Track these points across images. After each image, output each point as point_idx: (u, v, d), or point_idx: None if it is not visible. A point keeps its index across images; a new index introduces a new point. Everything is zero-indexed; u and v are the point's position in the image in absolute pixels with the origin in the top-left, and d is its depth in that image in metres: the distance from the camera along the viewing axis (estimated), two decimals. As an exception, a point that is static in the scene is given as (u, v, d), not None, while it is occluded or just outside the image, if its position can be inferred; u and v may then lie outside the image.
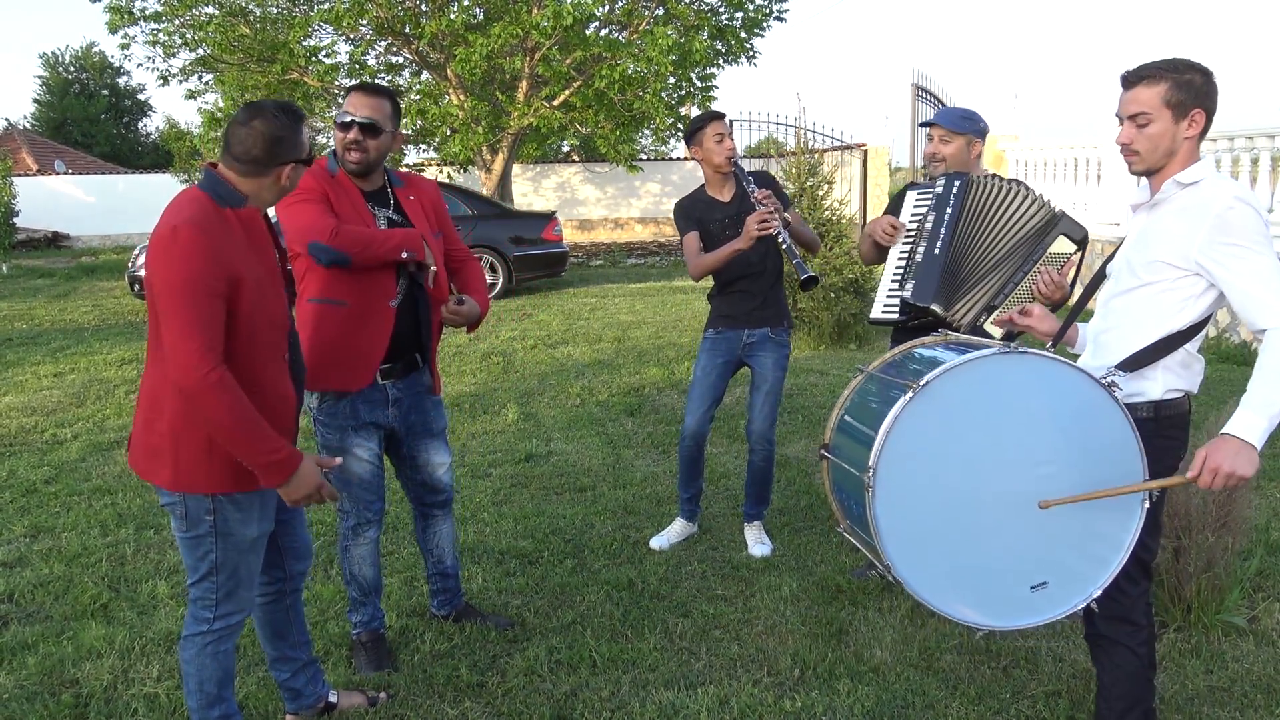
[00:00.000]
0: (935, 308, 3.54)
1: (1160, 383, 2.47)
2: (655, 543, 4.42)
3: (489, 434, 6.41)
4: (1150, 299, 2.45)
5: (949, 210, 3.60)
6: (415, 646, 3.53)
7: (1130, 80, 2.43)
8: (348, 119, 3.11)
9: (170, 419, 2.47)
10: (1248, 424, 2.24)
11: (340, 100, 17.02)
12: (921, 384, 2.35)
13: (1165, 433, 2.49)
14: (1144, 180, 2.53)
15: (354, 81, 16.78)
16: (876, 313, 3.74)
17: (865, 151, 17.53)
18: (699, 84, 18.00)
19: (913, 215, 3.74)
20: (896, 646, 3.48)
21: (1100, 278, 2.77)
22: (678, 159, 24.06)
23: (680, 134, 17.83)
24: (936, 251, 3.57)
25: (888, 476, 2.36)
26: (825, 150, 16.18)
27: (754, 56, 18.25)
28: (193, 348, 2.31)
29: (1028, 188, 3.54)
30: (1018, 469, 2.40)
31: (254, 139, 2.45)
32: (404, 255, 3.11)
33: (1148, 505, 2.45)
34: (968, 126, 3.78)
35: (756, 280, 4.24)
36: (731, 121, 17.59)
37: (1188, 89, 2.37)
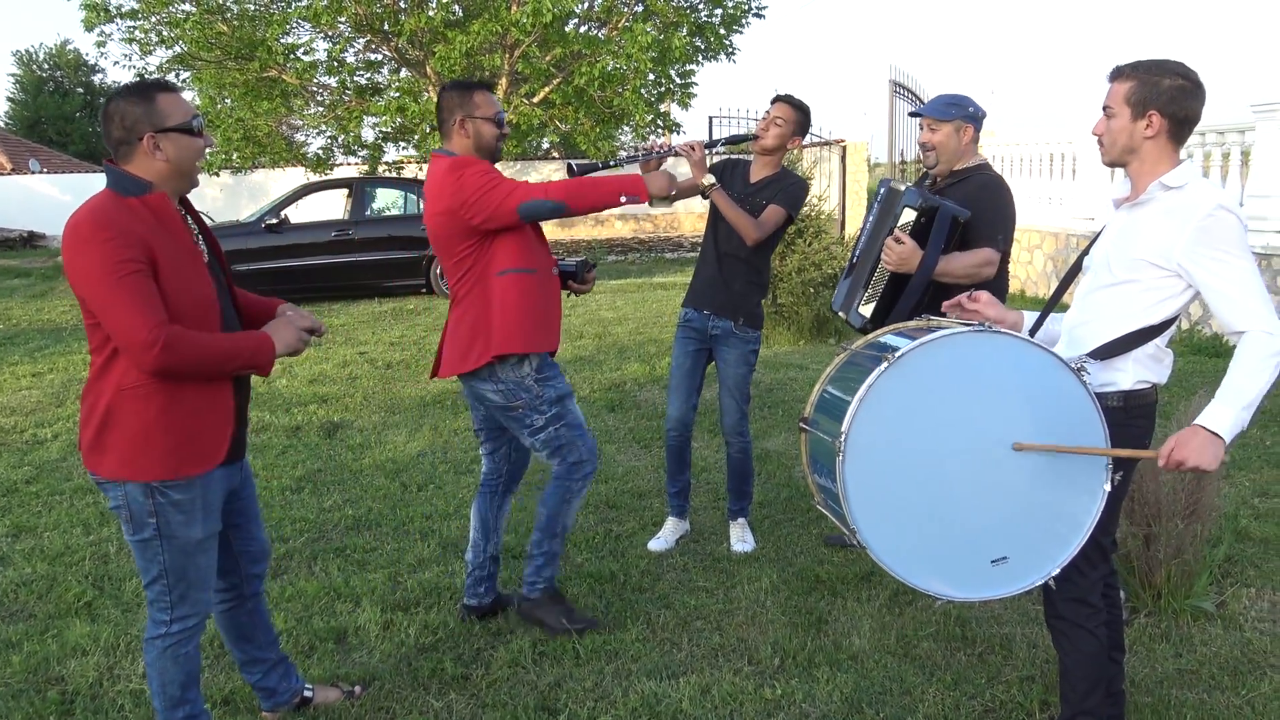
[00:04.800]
0: (841, 314, 3.80)
1: (1131, 374, 2.55)
2: (654, 545, 4.42)
3: (471, 430, 6.41)
4: (1129, 296, 2.52)
5: (871, 218, 3.83)
6: (400, 640, 3.57)
7: (1109, 75, 2.54)
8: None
9: (106, 408, 2.48)
10: (1219, 416, 2.34)
11: (319, 96, 16.97)
12: (897, 356, 2.42)
13: (1133, 421, 2.56)
14: (1121, 175, 2.61)
15: (332, 79, 16.79)
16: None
17: (844, 148, 17.60)
18: (678, 81, 18.02)
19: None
20: (874, 635, 3.54)
21: (1076, 270, 2.84)
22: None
23: (660, 130, 17.88)
24: (854, 259, 3.85)
25: (858, 442, 2.42)
26: (804, 146, 16.25)
27: (733, 53, 18.28)
28: (137, 324, 2.33)
29: (908, 184, 3.72)
30: (985, 443, 2.46)
31: (110, 123, 2.46)
32: (622, 199, 3.36)
33: (1108, 489, 2.52)
34: (954, 112, 3.75)
35: (712, 263, 4.26)
36: (711, 118, 17.64)
37: (1151, 90, 2.44)
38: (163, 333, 2.35)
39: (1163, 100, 2.44)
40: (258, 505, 2.93)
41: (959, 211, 3.52)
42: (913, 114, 3.95)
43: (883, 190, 3.87)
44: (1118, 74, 2.51)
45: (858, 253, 3.88)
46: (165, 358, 2.36)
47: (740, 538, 4.46)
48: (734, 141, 4.30)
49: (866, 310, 3.64)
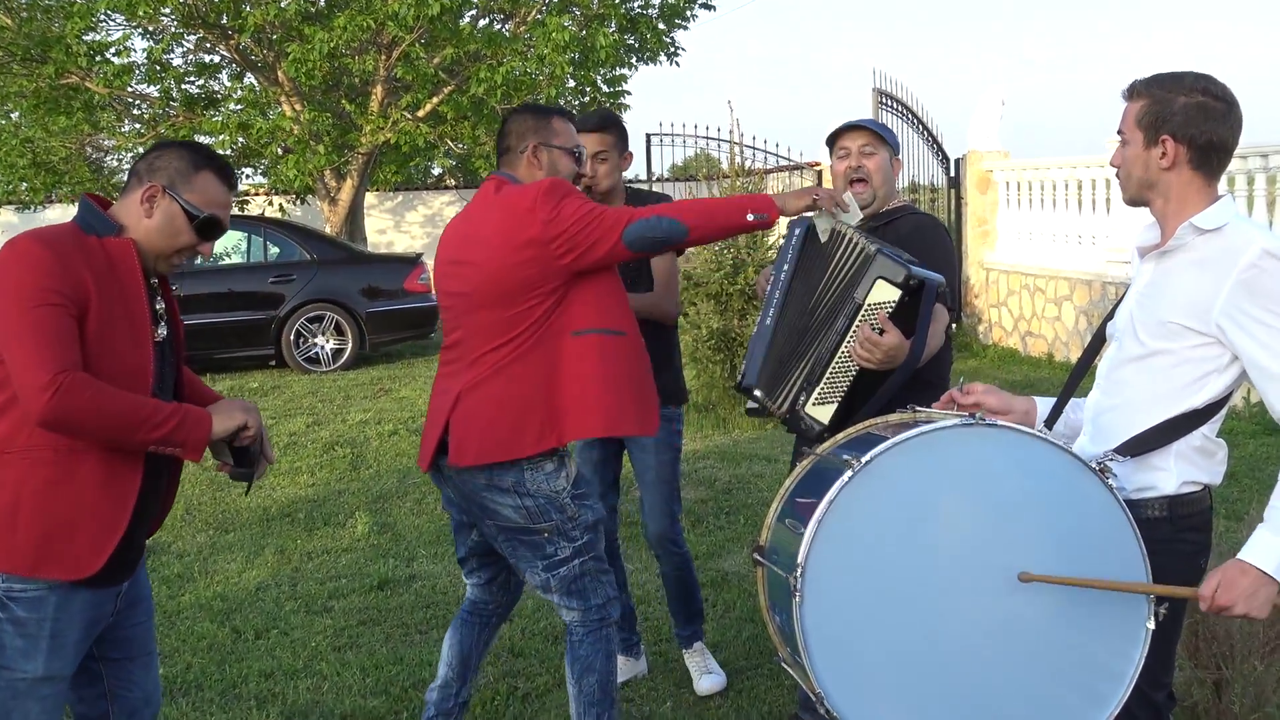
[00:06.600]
0: (758, 393, 3.65)
1: (1175, 474, 2.53)
2: None
3: (330, 554, 6.31)
4: (1163, 371, 2.52)
5: (785, 266, 3.69)
6: None
7: (1124, 92, 2.58)
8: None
9: None
10: (1268, 549, 2.33)
11: (136, 109, 16.87)
12: (864, 461, 2.39)
13: (1182, 536, 2.55)
14: (1150, 216, 2.64)
15: (154, 88, 16.73)
16: (750, 404, 3.77)
17: (819, 171, 17.92)
18: (606, 89, 18.30)
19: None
20: (865, 824, 3.46)
21: (1100, 340, 2.85)
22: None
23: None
24: (768, 321, 3.70)
25: (819, 578, 2.38)
26: (770, 170, 16.53)
27: (676, 54, 18.66)
28: (40, 360, 2.44)
29: (855, 230, 3.47)
30: (987, 575, 2.43)
31: (153, 152, 2.75)
32: (750, 218, 3.31)
33: (1151, 626, 2.49)
34: (892, 138, 3.76)
35: None
36: (649, 135, 17.88)
37: (1164, 109, 2.47)
38: (66, 377, 2.44)
39: (1176, 122, 2.46)
40: (152, 641, 2.91)
41: (939, 279, 3.34)
42: (834, 134, 3.73)
43: (798, 232, 3.67)
44: (1131, 92, 2.55)
45: (772, 318, 3.68)
46: (59, 402, 2.43)
47: (703, 668, 4.43)
48: None
49: (821, 413, 3.44)
